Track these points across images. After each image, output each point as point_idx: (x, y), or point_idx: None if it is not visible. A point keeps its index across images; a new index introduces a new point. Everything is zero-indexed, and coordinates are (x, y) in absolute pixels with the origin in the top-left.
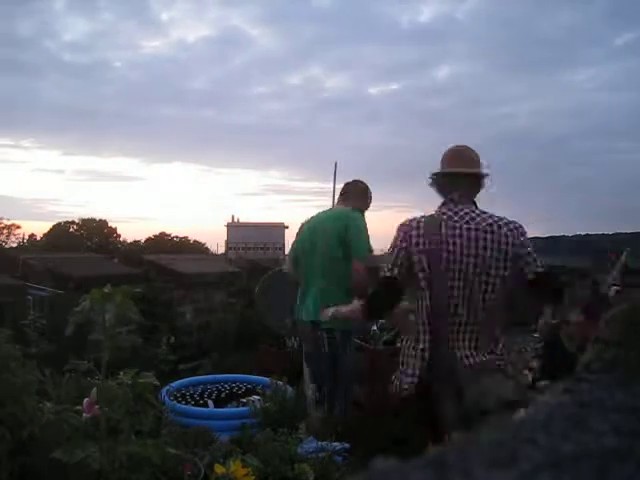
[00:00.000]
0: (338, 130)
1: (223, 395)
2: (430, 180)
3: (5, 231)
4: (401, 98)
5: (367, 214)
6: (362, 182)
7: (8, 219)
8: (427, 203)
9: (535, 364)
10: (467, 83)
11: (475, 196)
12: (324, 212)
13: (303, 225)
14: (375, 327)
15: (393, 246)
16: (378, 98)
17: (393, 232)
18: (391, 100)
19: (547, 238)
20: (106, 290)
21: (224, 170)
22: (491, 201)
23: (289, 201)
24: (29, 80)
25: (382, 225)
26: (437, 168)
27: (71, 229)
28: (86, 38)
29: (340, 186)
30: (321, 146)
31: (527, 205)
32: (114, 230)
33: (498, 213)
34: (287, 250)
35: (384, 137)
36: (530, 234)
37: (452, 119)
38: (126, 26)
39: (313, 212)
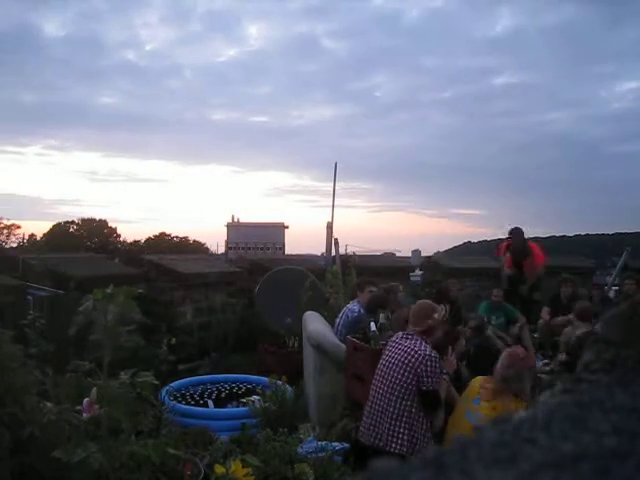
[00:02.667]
0: (379, 134)
1: (223, 395)
2: None
3: (5, 231)
4: (451, 104)
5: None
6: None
7: (8, 219)
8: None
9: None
10: (521, 91)
11: None
12: None
13: None
14: (375, 327)
15: None
16: (426, 104)
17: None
18: (439, 106)
19: (548, 238)
20: (108, 290)
21: (255, 172)
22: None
23: (311, 202)
24: (97, 86)
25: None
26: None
27: (71, 229)
28: (167, 47)
29: (340, 185)
30: (357, 149)
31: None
32: (114, 230)
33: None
34: (287, 250)
35: (424, 140)
36: (534, 233)
37: (497, 124)
38: (212, 36)
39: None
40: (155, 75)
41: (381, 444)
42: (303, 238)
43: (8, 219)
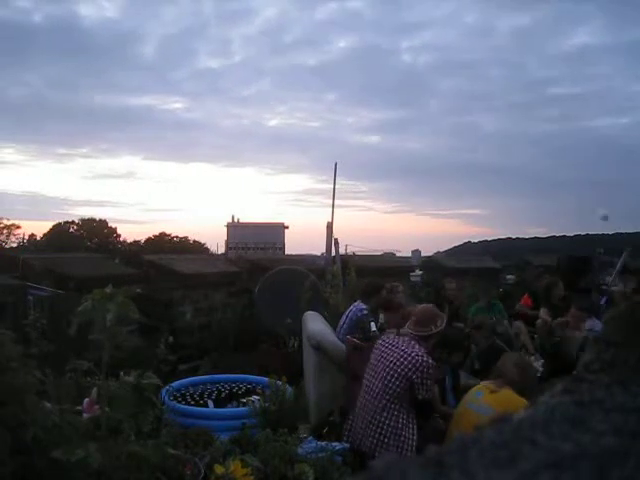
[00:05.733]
0: (419, 139)
1: (223, 395)
2: None
3: (5, 231)
4: (500, 111)
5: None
6: None
7: (8, 219)
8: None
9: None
10: (573, 101)
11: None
12: None
13: None
14: (375, 327)
15: None
16: (476, 111)
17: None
18: (489, 113)
19: (548, 238)
20: (107, 290)
21: (285, 175)
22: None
23: (327, 203)
24: (170, 93)
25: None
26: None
27: (71, 229)
28: (255, 58)
29: (367, 186)
30: (393, 152)
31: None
32: (114, 230)
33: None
34: (287, 250)
35: (460, 144)
36: (534, 233)
37: (541, 129)
38: (299, 48)
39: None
40: (232, 84)
41: (367, 450)
42: (303, 238)
43: (9, 219)
